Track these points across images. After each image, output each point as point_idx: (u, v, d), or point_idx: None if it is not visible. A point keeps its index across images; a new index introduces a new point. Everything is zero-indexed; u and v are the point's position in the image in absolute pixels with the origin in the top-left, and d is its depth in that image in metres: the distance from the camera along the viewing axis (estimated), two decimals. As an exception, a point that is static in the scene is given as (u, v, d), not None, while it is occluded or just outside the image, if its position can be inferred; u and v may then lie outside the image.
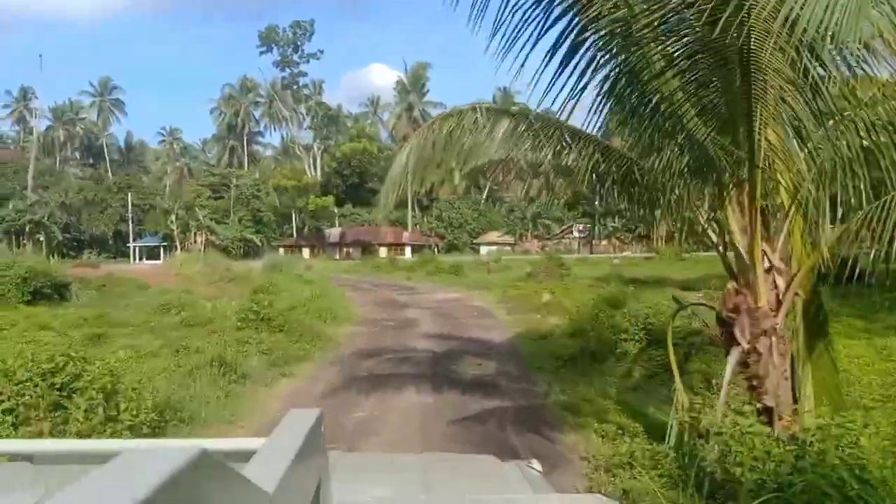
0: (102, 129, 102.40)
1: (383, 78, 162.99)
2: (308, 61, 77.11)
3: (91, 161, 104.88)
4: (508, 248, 72.85)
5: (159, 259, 65.06)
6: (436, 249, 74.11)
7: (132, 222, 69.08)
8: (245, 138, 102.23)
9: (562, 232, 75.69)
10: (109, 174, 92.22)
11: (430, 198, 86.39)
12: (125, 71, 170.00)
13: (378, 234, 73.91)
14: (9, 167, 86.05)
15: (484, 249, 73.75)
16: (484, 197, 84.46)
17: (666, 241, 69.58)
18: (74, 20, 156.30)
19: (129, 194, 69.01)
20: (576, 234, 75.40)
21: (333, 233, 74.03)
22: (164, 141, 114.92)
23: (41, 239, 68.55)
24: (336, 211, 74.08)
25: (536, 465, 2.94)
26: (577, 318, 15.24)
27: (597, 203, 74.24)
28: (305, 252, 70.53)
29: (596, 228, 72.28)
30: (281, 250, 74.39)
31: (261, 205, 76.62)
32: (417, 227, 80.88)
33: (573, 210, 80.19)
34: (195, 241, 67.81)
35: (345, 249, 72.39)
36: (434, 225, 78.12)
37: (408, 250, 71.00)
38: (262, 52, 78.64)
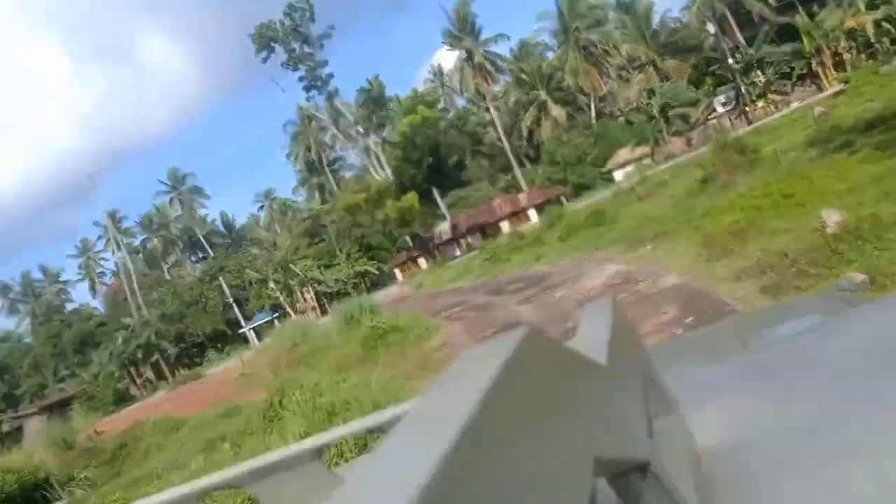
0: (191, 221, 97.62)
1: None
2: (322, 45, 59.80)
3: (199, 256, 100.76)
4: (647, 160, 58.97)
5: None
6: (564, 199, 61.45)
7: (236, 306, 61.81)
8: (328, 170, 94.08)
9: (704, 113, 60.51)
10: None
11: (533, 144, 73.70)
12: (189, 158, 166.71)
13: (493, 211, 62.29)
14: (118, 298, 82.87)
15: (619, 174, 60.32)
16: (593, 115, 70.65)
17: (835, 67, 52.32)
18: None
19: (222, 278, 61.64)
20: (720, 109, 60.05)
21: (444, 228, 63.16)
22: (263, 206, 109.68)
23: (159, 360, 62.86)
24: (439, 202, 63.09)
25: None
26: None
27: (730, 60, 58.57)
28: (423, 262, 60.35)
29: (743, 91, 56.67)
30: (397, 271, 64.78)
31: (364, 230, 67.11)
32: (534, 182, 68.47)
33: (702, 86, 64.67)
34: (304, 300, 59.30)
35: (463, 242, 61.33)
36: (550, 172, 65.36)
37: (532, 214, 58.90)
38: (264, 59, 60.45)
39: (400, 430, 0.70)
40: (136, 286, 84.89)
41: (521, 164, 73.13)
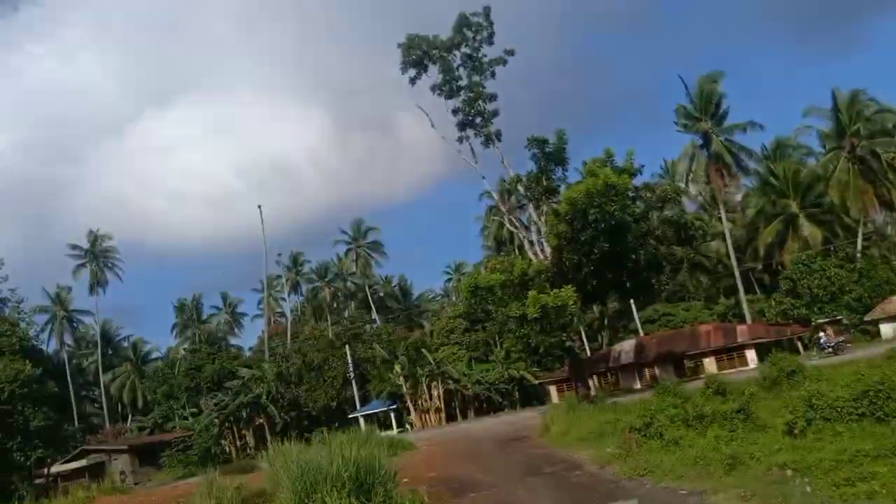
0: (363, 277, 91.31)
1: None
2: (493, 74, 41.51)
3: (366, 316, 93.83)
4: (940, 317, 40.96)
5: (393, 430, 45.56)
6: (800, 344, 44.73)
7: (357, 384, 51.59)
8: (517, 249, 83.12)
9: None
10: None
11: (771, 266, 57.11)
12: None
13: (696, 339, 46.87)
14: (271, 343, 77.17)
15: (886, 328, 42.83)
16: (859, 246, 53.19)
17: None
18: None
19: (348, 348, 51.90)
20: None
21: (625, 348, 48.75)
22: (450, 279, 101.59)
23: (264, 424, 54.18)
24: (634, 313, 48.74)
25: None
26: None
27: None
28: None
29: None
30: (552, 389, 51.10)
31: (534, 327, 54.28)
32: (763, 314, 52.07)
33: None
34: (429, 397, 47.60)
35: (647, 372, 46.39)
36: (788, 305, 48.67)
37: (751, 356, 42.86)
38: (412, 80, 42.54)
39: None
40: (289, 335, 79.30)
41: (749, 291, 56.82)
